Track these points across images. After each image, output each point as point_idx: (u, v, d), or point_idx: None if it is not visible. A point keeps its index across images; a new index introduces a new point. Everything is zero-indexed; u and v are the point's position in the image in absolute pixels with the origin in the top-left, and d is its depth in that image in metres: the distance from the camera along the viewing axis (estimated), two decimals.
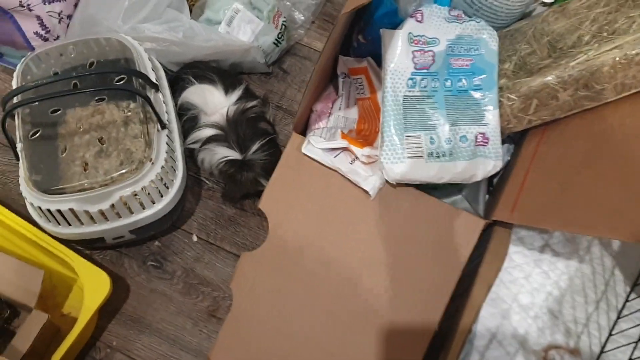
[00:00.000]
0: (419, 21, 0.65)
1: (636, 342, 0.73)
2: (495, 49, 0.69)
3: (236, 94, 0.80)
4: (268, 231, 0.69)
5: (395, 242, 0.67)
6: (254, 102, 0.79)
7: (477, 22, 0.68)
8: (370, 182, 0.67)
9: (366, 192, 0.67)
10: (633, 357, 0.71)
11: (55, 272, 0.80)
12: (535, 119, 0.67)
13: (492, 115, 0.68)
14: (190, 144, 0.79)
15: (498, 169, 0.68)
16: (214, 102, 0.79)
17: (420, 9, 0.65)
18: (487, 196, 0.76)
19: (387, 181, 0.67)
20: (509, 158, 0.76)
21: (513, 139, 0.76)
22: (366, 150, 0.67)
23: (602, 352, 0.75)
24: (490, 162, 0.67)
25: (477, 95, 0.69)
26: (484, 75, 0.68)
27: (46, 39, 0.85)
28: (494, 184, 0.77)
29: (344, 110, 0.76)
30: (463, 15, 0.68)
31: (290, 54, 0.93)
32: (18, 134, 0.72)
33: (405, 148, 0.65)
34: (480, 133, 0.67)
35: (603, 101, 0.62)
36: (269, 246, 0.69)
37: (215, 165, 0.77)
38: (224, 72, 0.84)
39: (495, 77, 0.69)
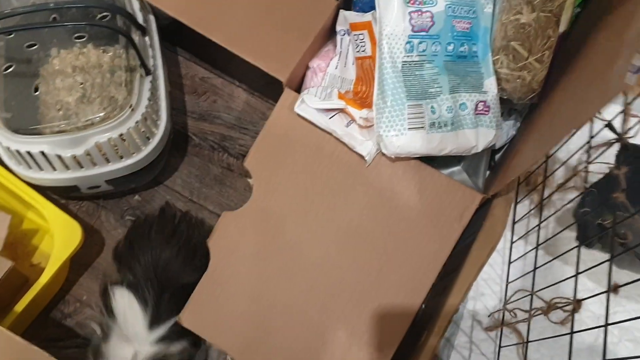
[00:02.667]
0: None
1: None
2: (489, 11, 0.64)
3: (162, 329, 0.63)
4: (253, 190, 0.64)
5: (387, 212, 0.63)
6: (180, 347, 0.64)
7: None
8: (367, 147, 0.63)
9: (361, 157, 0.63)
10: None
11: (27, 220, 0.76)
12: (538, 54, 0.62)
13: (490, 83, 0.64)
14: None
15: (499, 139, 0.64)
16: (133, 329, 0.63)
17: None
18: (488, 172, 0.71)
19: (383, 154, 0.62)
20: (514, 133, 0.71)
21: (520, 112, 0.71)
22: (364, 112, 0.63)
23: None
24: (491, 132, 0.63)
25: (474, 61, 0.64)
26: (480, 41, 0.64)
27: None
28: (496, 160, 0.73)
29: (340, 70, 0.71)
30: None
31: None
32: None
33: (407, 119, 0.60)
34: (481, 101, 0.62)
35: None
36: (253, 207, 0.64)
37: None
38: (166, 282, 0.66)
39: (488, 42, 0.64)
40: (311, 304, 0.62)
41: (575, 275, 0.61)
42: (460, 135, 0.62)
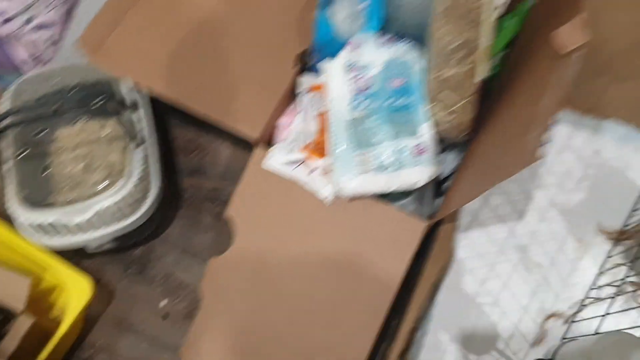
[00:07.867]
0: (354, 49, 0.72)
1: None
2: (418, 68, 0.76)
3: None
4: (235, 236, 0.75)
5: (349, 243, 0.73)
6: None
7: (404, 44, 0.75)
8: (326, 191, 0.74)
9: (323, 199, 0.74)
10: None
11: (45, 281, 0.87)
12: (463, 100, 0.71)
13: (425, 128, 0.74)
14: None
15: (436, 174, 0.75)
16: None
17: (354, 38, 0.72)
18: (440, 198, 0.82)
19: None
20: (459, 162, 0.82)
21: (463, 144, 0.82)
22: (322, 161, 0.74)
23: None
24: (429, 169, 0.73)
25: (410, 111, 0.75)
26: (414, 93, 0.74)
27: (37, 63, 0.93)
28: (445, 188, 0.84)
29: (302, 124, 0.83)
30: (392, 40, 0.74)
31: None
32: (4, 155, 0.79)
33: (355, 165, 0.72)
34: (415, 145, 0.73)
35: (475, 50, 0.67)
36: (236, 250, 0.75)
37: None
38: None
39: (422, 93, 0.75)
40: (293, 331, 0.72)
41: None
42: (402, 174, 0.73)
